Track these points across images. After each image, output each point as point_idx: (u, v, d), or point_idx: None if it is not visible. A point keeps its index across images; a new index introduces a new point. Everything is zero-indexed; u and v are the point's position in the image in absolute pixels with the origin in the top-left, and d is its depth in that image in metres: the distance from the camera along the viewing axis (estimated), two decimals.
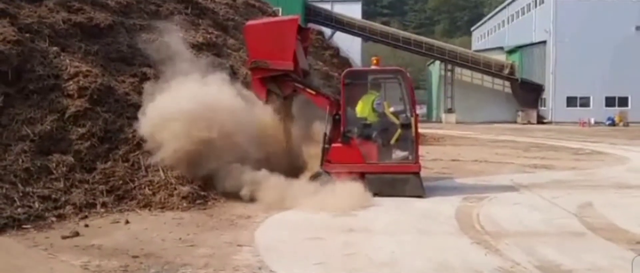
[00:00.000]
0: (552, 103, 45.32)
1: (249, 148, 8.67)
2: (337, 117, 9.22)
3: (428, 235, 6.73)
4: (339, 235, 6.66)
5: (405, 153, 9.19)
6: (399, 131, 9.12)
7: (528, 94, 47.32)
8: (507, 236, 6.60)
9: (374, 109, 9.27)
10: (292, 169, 9.27)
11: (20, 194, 7.34)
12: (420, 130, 26.67)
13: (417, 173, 9.19)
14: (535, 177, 12.04)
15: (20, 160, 7.83)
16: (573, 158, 16.39)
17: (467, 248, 6.09)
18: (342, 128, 9.12)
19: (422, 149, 18.77)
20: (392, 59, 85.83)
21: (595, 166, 14.38)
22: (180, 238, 6.48)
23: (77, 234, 6.57)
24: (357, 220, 7.34)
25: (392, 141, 9.14)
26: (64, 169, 8.08)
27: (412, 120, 9.14)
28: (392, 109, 9.32)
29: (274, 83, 9.15)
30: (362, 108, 9.30)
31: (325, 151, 9.09)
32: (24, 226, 6.81)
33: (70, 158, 8.26)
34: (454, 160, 15.63)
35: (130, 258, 5.67)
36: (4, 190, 7.25)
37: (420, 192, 9.08)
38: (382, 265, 5.43)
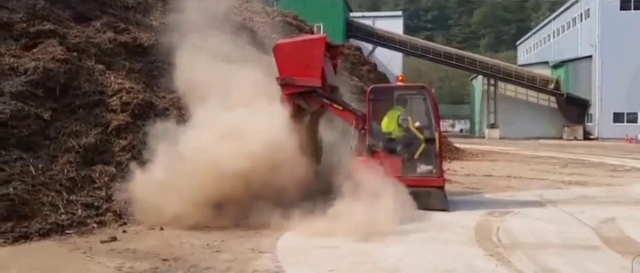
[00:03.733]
0: (599, 118, 44.41)
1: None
2: (363, 131, 9.57)
3: (442, 245, 6.99)
4: (355, 243, 6.95)
5: (429, 167, 9.45)
6: (423, 145, 9.40)
7: (574, 110, 46.54)
8: (521, 248, 6.81)
9: (399, 124, 9.57)
10: (322, 185, 9.52)
11: (65, 202, 7.95)
12: (460, 145, 26.71)
13: (440, 187, 9.43)
14: (565, 193, 12.06)
15: (66, 170, 8.47)
16: (609, 175, 16.20)
17: (477, 258, 6.33)
18: (367, 142, 9.46)
19: (457, 165, 19.07)
20: (434, 73, 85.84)
21: (629, 183, 14.22)
22: (207, 244, 6.95)
23: (114, 239, 7.12)
24: (374, 230, 7.53)
25: (416, 155, 9.42)
26: (106, 179, 8.68)
27: (436, 135, 9.41)
28: (417, 124, 9.60)
29: (302, 99, 9.56)
30: (388, 123, 9.61)
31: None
32: (67, 231, 7.41)
33: (112, 169, 8.87)
34: (487, 176, 15.70)
35: (161, 261, 6.16)
36: (50, 198, 7.87)
37: (443, 205, 9.32)
38: (390, 272, 5.75)
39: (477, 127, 57.49)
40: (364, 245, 6.89)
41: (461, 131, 71.96)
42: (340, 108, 9.73)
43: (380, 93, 10.06)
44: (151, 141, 8.49)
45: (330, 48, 10.34)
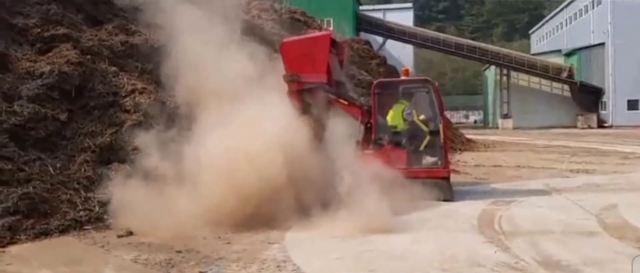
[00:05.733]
0: (613, 106, 44.15)
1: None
2: (368, 125, 9.83)
3: (446, 233, 7.24)
4: (362, 233, 7.14)
5: (434, 159, 9.70)
6: (428, 137, 9.65)
7: (587, 98, 46.26)
8: (521, 235, 7.04)
9: (404, 118, 9.81)
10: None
11: (83, 199, 8.29)
12: (472, 136, 26.76)
13: (446, 178, 9.66)
14: (571, 181, 12.22)
15: (83, 169, 8.82)
16: (619, 163, 16.27)
17: (478, 245, 6.58)
18: (373, 136, 9.71)
19: (468, 156, 19.22)
20: (447, 64, 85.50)
21: (637, 170, 14.31)
22: (219, 237, 7.23)
23: (130, 233, 7.42)
24: (380, 220, 7.68)
25: (422, 148, 9.68)
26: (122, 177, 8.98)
27: (441, 127, 9.64)
28: (422, 117, 9.85)
29: (309, 95, 9.80)
30: (393, 117, 9.86)
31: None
32: (85, 227, 7.74)
33: (127, 167, 9.17)
34: (496, 166, 15.85)
35: (175, 253, 6.46)
36: (68, 196, 8.21)
37: (449, 196, 9.56)
38: (392, 258, 6.04)
39: (490, 118, 57.35)
40: (370, 235, 7.08)
41: (475, 122, 71.64)
42: (346, 102, 9.98)
43: (385, 87, 10.32)
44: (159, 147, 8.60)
45: (335, 44, 10.59)
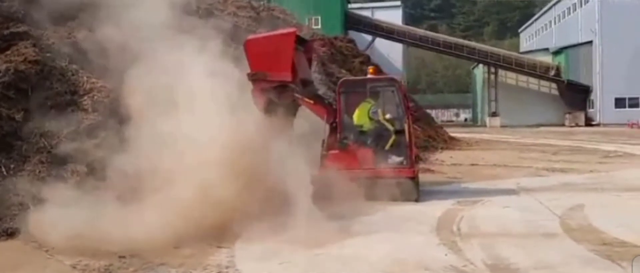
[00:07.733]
0: (600, 104, 44.21)
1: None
2: (334, 124, 9.63)
3: (402, 235, 7.03)
4: (319, 238, 6.79)
5: (400, 158, 9.51)
6: (393, 137, 9.47)
7: (575, 96, 46.42)
8: (477, 237, 6.87)
9: (370, 117, 9.63)
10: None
11: (36, 201, 8.03)
12: (457, 134, 26.61)
13: (412, 178, 9.47)
14: (544, 180, 12.06)
15: (38, 170, 8.55)
16: (598, 161, 16.15)
17: (432, 247, 6.39)
18: (338, 135, 9.52)
19: (448, 154, 19.05)
20: (438, 62, 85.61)
21: (615, 169, 14.19)
22: (169, 242, 6.95)
23: (78, 237, 7.13)
24: (340, 222, 7.53)
25: (387, 147, 9.49)
26: (78, 178, 8.74)
27: (406, 126, 9.46)
28: (388, 116, 9.67)
29: (274, 93, 9.59)
30: (359, 116, 9.68)
31: (323, 157, 9.49)
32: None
33: (83, 168, 8.92)
34: (473, 165, 15.67)
35: (117, 259, 6.20)
36: (20, 197, 7.96)
37: (414, 196, 9.36)
38: (341, 262, 5.85)
39: (479, 116, 57.41)
40: (325, 238, 6.83)
41: (466, 120, 71.79)
42: (312, 101, 9.77)
43: (350, 86, 10.13)
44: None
45: (303, 42, 10.39)
